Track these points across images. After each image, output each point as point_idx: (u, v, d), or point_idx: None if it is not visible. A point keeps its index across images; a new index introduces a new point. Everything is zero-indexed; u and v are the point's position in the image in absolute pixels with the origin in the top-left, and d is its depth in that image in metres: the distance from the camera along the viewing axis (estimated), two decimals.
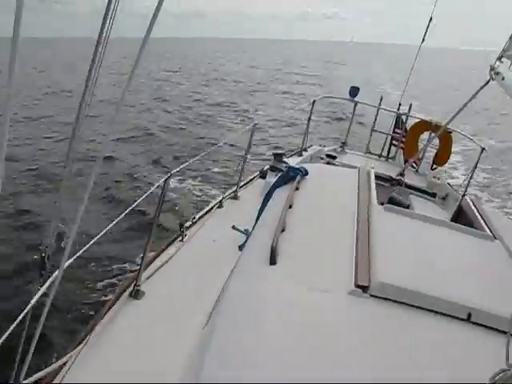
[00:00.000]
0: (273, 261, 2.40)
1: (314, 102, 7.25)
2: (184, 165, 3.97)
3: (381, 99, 8.15)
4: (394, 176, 6.91)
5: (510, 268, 2.85)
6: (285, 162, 5.85)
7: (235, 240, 4.06)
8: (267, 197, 3.61)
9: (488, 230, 3.41)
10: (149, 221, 3.46)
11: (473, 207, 3.98)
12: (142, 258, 3.41)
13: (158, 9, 1.69)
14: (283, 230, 2.70)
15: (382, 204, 5.00)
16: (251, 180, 6.07)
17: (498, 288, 2.53)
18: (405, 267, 2.54)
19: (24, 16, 1.13)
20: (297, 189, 3.41)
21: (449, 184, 7.51)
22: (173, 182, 10.09)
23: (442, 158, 7.76)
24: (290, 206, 3.06)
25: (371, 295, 2.26)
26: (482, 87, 5.26)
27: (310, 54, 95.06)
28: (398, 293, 2.28)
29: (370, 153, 8.46)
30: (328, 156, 7.34)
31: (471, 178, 7.11)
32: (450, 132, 7.49)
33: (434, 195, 6.93)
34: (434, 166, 7.83)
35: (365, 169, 4.17)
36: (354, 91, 7.85)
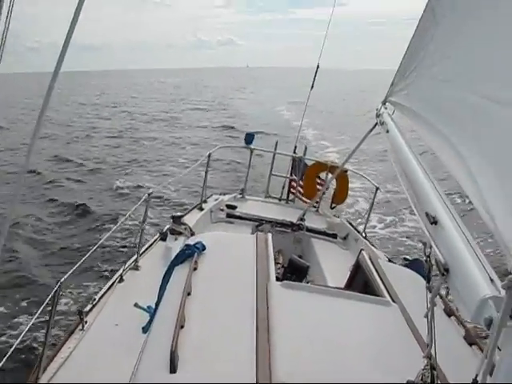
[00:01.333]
0: (173, 369, 2.32)
1: (210, 154, 7.22)
2: (76, 266, 3.79)
3: (276, 144, 8.29)
4: (294, 221, 7.06)
5: (407, 336, 2.92)
6: (184, 224, 5.77)
7: (139, 320, 3.88)
8: (166, 276, 3.53)
9: (385, 291, 3.52)
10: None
11: (369, 263, 4.08)
12: (40, 359, 3.17)
13: (66, 43, 1.72)
14: (182, 327, 2.62)
15: (284, 268, 5.01)
16: (152, 244, 5.88)
17: (397, 365, 2.57)
18: (305, 359, 2.54)
19: None
20: (195, 269, 3.35)
21: (348, 222, 7.78)
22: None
23: (339, 196, 8.01)
24: (189, 293, 2.98)
25: None
26: (369, 131, 5.46)
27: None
28: None
29: (270, 197, 8.55)
30: (228, 206, 7.34)
31: (368, 217, 7.43)
32: (346, 171, 7.80)
33: (335, 236, 7.14)
34: (333, 205, 8.07)
35: (262, 235, 4.16)
36: (250, 138, 7.91)
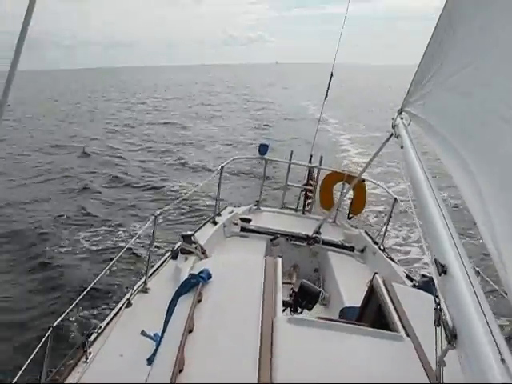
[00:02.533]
0: None
1: (222, 168, 7.04)
2: (71, 307, 3.75)
3: (291, 154, 8.06)
4: (310, 233, 6.80)
5: (421, 377, 2.66)
6: (195, 243, 5.59)
7: (145, 349, 3.75)
8: (171, 307, 3.41)
9: (398, 321, 3.30)
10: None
11: (383, 288, 3.83)
12: None
13: (21, 38, 1.73)
14: (181, 370, 2.45)
15: (295, 292, 4.73)
16: (163, 263, 5.70)
17: None
18: None
19: None
20: (199, 301, 3.18)
21: (367, 233, 7.47)
22: None
23: (357, 206, 7.77)
24: (191, 331, 2.82)
25: None
26: (385, 142, 5.28)
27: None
28: None
29: (286, 207, 8.35)
30: (242, 220, 7.13)
31: (386, 230, 7.10)
32: (363, 181, 7.48)
33: (352, 249, 6.85)
34: (351, 215, 7.83)
35: (271, 260, 3.92)
36: (264, 149, 7.69)
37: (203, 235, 6.32)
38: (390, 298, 3.65)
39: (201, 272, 3.48)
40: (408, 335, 3.09)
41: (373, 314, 3.82)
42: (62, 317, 3.51)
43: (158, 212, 5.09)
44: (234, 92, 61.93)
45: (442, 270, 1.78)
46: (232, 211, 7.46)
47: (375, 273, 4.29)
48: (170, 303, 3.43)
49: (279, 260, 3.90)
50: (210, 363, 2.62)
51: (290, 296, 4.34)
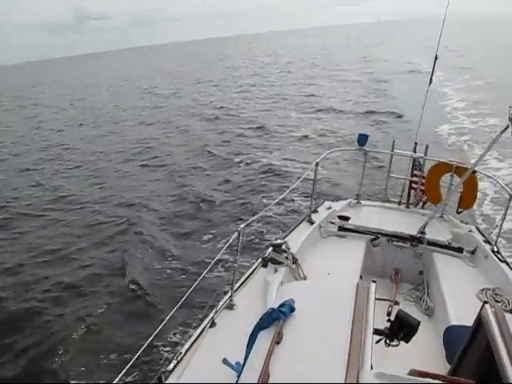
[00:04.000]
0: None
1: (317, 163, 6.73)
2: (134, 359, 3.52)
3: (393, 144, 7.58)
4: (415, 230, 6.42)
5: None
6: (285, 251, 5.39)
7: (227, 378, 3.58)
8: (250, 342, 3.23)
9: (509, 366, 2.81)
10: None
11: (494, 324, 3.31)
12: None
13: None
14: None
15: (391, 322, 4.40)
16: (253, 272, 5.47)
17: None
18: None
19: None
20: (278, 343, 2.98)
21: (478, 229, 6.89)
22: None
23: (467, 200, 7.14)
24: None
25: None
26: (501, 132, 4.84)
27: None
28: None
29: (389, 201, 7.91)
30: (340, 218, 6.84)
31: (501, 228, 6.46)
32: (474, 172, 6.86)
33: (461, 250, 6.34)
34: (460, 210, 7.23)
35: (363, 285, 3.58)
36: (363, 139, 7.29)
37: (297, 237, 6.12)
38: (503, 337, 3.16)
39: (282, 305, 3.26)
40: None
41: (481, 350, 3.37)
42: (124, 371, 3.26)
43: (243, 225, 4.79)
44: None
45: None
46: (330, 207, 7.18)
47: (484, 302, 3.80)
48: (250, 336, 3.27)
49: (373, 286, 3.55)
50: None
51: (388, 319, 4.02)
